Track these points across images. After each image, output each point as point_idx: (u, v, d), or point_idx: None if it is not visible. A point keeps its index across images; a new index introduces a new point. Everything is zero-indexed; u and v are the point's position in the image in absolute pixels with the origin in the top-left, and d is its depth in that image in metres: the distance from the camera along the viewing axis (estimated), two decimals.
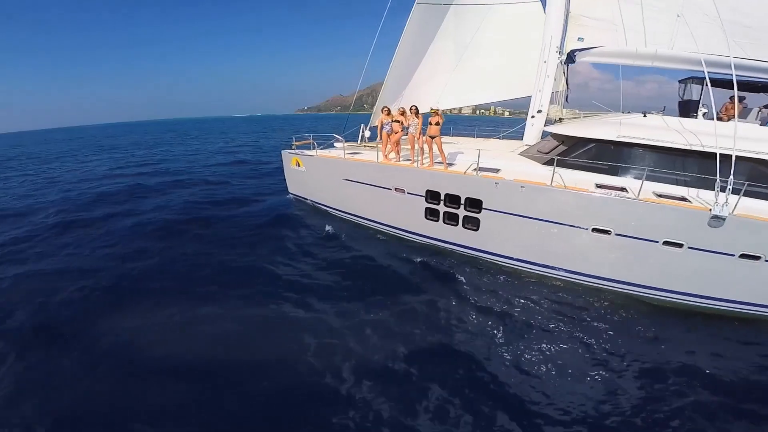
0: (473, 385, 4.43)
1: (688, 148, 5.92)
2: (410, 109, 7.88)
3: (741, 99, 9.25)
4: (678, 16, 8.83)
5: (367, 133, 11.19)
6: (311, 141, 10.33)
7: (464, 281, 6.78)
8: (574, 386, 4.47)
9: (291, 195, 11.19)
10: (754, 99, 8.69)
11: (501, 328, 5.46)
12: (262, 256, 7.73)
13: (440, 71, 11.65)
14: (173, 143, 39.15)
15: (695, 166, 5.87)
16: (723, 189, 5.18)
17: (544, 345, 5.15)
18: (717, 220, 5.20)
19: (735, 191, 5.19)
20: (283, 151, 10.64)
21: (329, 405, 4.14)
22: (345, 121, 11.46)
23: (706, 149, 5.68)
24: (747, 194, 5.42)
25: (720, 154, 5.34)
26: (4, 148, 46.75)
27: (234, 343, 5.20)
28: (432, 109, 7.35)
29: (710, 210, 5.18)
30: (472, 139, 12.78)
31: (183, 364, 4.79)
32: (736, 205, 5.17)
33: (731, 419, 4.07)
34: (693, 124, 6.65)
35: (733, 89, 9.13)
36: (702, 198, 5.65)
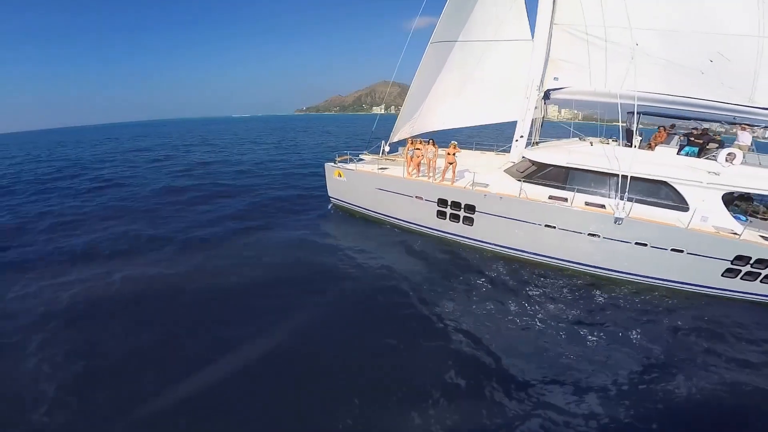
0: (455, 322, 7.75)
1: (604, 170, 9.11)
2: (429, 141, 11.12)
3: (672, 126, 12.31)
4: (632, 58, 11.77)
5: (387, 148, 14.35)
6: (348, 157, 13.63)
7: (459, 259, 10.14)
8: (516, 329, 7.77)
9: (331, 198, 14.48)
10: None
11: (481, 287, 8.79)
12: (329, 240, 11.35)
13: (447, 96, 14.29)
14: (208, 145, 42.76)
15: (610, 183, 9.07)
16: (622, 199, 8.40)
17: (505, 296, 8.47)
18: (618, 220, 8.41)
19: (630, 200, 8.40)
20: (326, 164, 13.87)
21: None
22: (374, 121, 14.76)
23: (614, 171, 8.87)
24: (641, 202, 8.63)
25: (621, 175, 8.57)
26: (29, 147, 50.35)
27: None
28: (451, 143, 10.56)
29: (614, 213, 8.39)
30: (474, 152, 15.88)
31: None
32: (630, 210, 8.37)
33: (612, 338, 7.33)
34: (619, 152, 9.71)
35: (664, 120, 12.18)
36: (612, 205, 8.83)
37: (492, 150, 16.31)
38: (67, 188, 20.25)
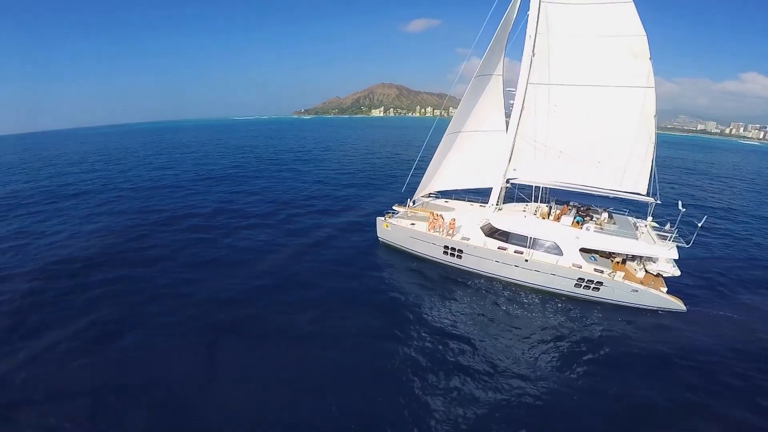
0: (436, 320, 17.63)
1: (524, 234, 18.87)
2: (440, 215, 20.94)
3: (575, 202, 21.86)
4: (558, 156, 21.32)
5: (411, 203, 24.12)
6: (391, 215, 23.43)
7: (454, 275, 19.99)
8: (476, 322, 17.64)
9: (380, 238, 24.20)
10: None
11: (465, 288, 18.68)
12: (371, 264, 21.10)
13: (449, 170, 23.80)
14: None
15: (527, 240, 18.83)
16: (530, 247, 18.23)
17: (476, 291, 18.34)
18: (527, 260, 18.23)
19: (536, 248, 18.24)
20: (377, 218, 23.58)
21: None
22: (429, 130, 24.31)
23: (527, 235, 18.64)
24: (543, 250, 18.41)
25: (529, 237, 18.38)
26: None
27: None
28: (451, 218, 20.41)
29: (524, 256, 18.22)
30: (467, 203, 25.42)
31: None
32: (532, 255, 18.19)
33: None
34: (537, 221, 19.44)
35: (569, 200, 21.87)
36: (527, 251, 18.59)
37: (478, 201, 25.97)
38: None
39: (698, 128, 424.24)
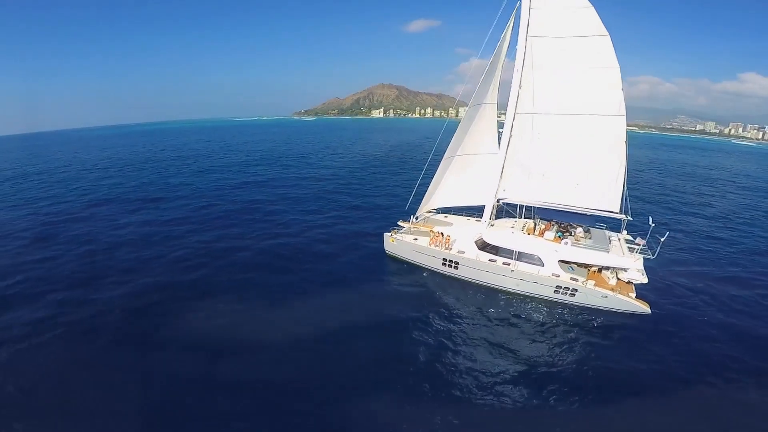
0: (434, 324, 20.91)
1: (510, 248, 22.12)
2: (439, 233, 24.18)
3: (558, 220, 25.09)
4: (542, 178, 24.51)
5: (414, 219, 27.34)
6: (397, 230, 26.65)
7: (450, 283, 23.25)
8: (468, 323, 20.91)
9: (386, 251, 27.35)
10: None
11: (458, 294, 21.95)
12: (381, 274, 24.40)
13: (447, 189, 27.05)
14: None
15: (512, 252, 22.06)
16: (516, 260, 21.47)
17: (468, 296, 21.61)
18: (513, 269, 21.47)
19: (519, 259, 21.49)
20: (384, 234, 26.78)
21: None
22: (438, 133, 27.56)
23: (513, 248, 21.90)
24: (527, 262, 21.64)
25: (515, 251, 21.61)
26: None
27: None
28: (447, 234, 23.66)
29: (510, 267, 21.45)
30: (463, 217, 28.61)
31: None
32: (517, 266, 21.42)
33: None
34: (522, 236, 22.68)
35: (551, 218, 25.18)
36: (513, 263, 21.82)
37: (474, 216, 29.09)
38: None
39: (697, 128, 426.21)
